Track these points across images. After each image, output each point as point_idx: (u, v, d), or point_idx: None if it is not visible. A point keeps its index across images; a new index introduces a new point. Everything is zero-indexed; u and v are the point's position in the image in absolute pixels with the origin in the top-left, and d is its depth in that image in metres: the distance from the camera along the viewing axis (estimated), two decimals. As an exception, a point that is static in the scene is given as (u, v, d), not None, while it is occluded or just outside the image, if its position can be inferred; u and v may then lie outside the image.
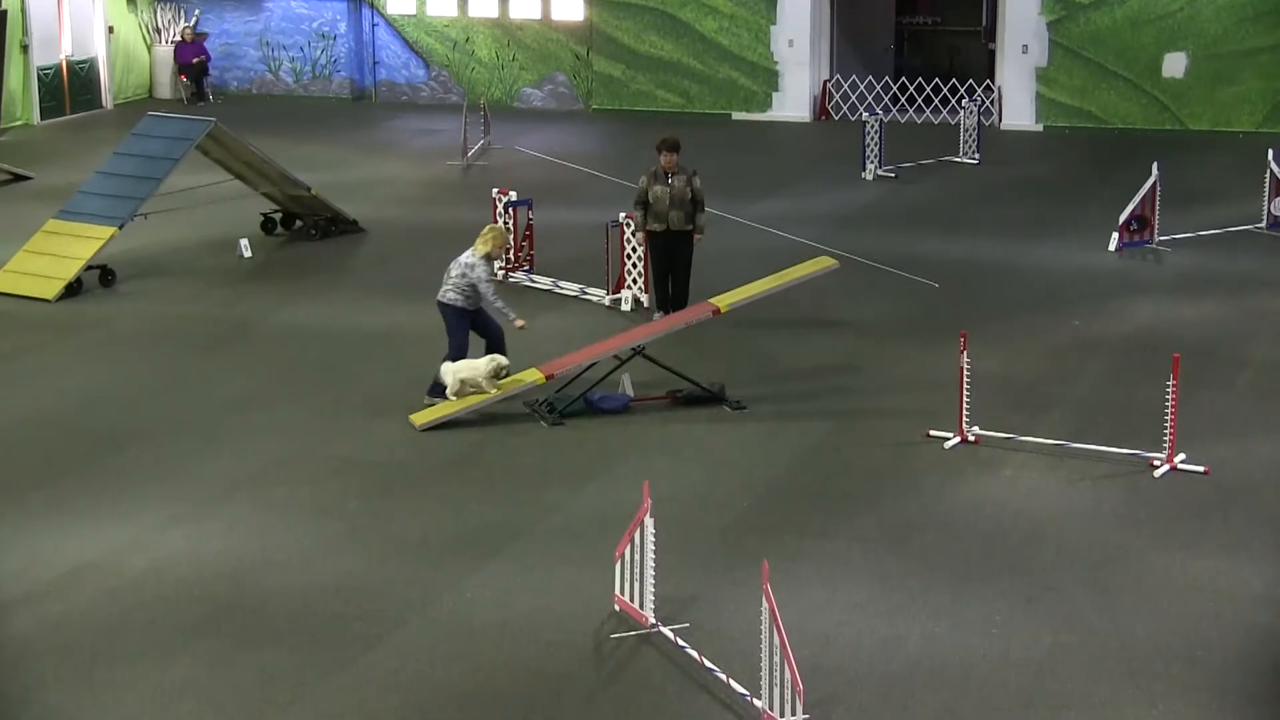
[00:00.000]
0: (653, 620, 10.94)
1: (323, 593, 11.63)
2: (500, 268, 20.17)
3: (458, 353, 15.51)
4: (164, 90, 36.19)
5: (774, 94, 34.05)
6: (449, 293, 15.59)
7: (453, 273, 15.68)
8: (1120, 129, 31.78)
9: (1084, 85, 32.29)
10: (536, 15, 35.41)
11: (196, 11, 36.48)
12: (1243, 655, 10.62)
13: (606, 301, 19.15)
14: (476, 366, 15.21)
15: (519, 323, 15.69)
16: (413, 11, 36.12)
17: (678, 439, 14.81)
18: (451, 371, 15.22)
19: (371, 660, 10.66)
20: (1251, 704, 10.00)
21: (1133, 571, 11.91)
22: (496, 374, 15.18)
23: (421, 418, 15.10)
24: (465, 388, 15.21)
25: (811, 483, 13.75)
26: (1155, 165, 22.06)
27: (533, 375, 15.42)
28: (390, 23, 36.33)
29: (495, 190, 20.63)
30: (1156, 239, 22.06)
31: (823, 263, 16.59)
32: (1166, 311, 18.88)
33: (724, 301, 16.08)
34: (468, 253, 15.74)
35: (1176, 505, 13.11)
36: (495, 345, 15.66)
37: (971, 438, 14.49)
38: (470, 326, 15.66)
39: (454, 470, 14.08)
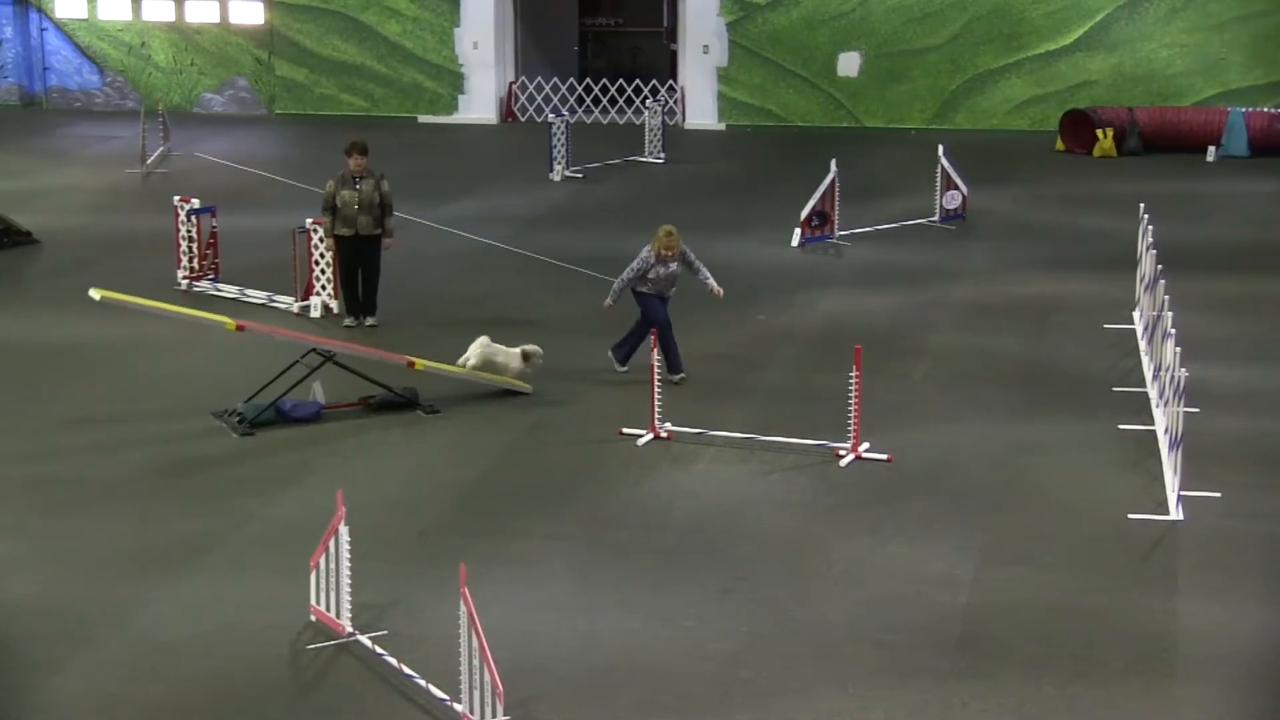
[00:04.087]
0: (350, 629, 10.83)
1: (5, 615, 11.22)
2: (184, 276, 19.77)
3: (644, 326, 16.08)
4: None
5: (460, 96, 34.05)
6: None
7: None
8: (800, 127, 32.56)
9: (763, 84, 33.00)
10: (215, 19, 34.77)
11: None
12: (928, 635, 10.96)
13: (295, 309, 18.90)
14: (511, 354, 15.74)
15: (606, 303, 16.33)
16: (84, 15, 35.13)
17: (372, 445, 14.70)
18: (480, 349, 15.66)
19: (59, 683, 10.32)
20: (937, 682, 10.32)
21: (823, 559, 12.20)
22: (526, 359, 15.73)
23: (102, 292, 14.92)
24: (489, 368, 15.71)
25: (507, 484, 13.78)
26: (833, 162, 22.65)
27: (222, 318, 15.21)
28: (60, 27, 35.28)
29: (177, 198, 20.19)
30: (836, 234, 22.65)
31: (519, 384, 16.33)
32: (848, 304, 19.41)
33: (420, 362, 15.75)
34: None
35: (862, 493, 13.48)
36: (660, 338, 15.91)
37: (664, 434, 14.68)
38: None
39: (143, 483, 13.73)
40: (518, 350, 15.80)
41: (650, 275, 16.19)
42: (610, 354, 16.51)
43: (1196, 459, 13.54)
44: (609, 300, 16.33)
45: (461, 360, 15.71)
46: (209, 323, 15.10)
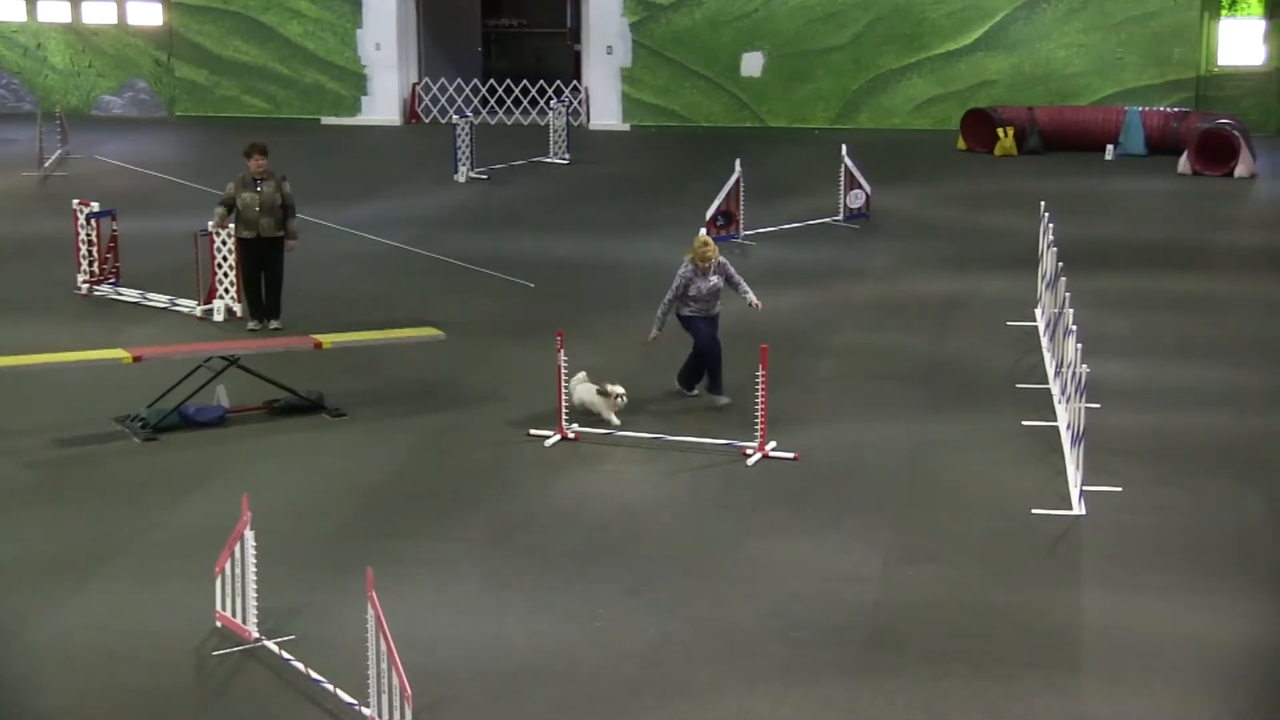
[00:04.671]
0: (256, 634, 10.75)
1: (-96, 627, 11.07)
2: (84, 281, 19.56)
3: (696, 350, 15.55)
4: None
5: (363, 98, 33.90)
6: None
7: None
8: (704, 127, 32.64)
9: (667, 85, 33.07)
10: (112, 20, 34.41)
11: None
12: (835, 632, 11.02)
13: (198, 312, 18.74)
14: (596, 397, 14.98)
15: (651, 335, 15.64)
16: (-21, 16, 34.70)
17: (277, 449, 14.60)
18: (579, 387, 15.07)
19: (-40, 695, 10.20)
20: (844, 677, 10.39)
21: (732, 558, 12.24)
22: (611, 400, 14.91)
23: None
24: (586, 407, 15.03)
25: (414, 486, 13.73)
26: (738, 162, 22.72)
27: (118, 354, 15.02)
28: (-45, 29, 34.81)
29: (76, 201, 19.97)
30: (742, 233, 22.74)
31: (429, 332, 16.43)
32: (754, 303, 19.46)
33: (327, 340, 15.80)
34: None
35: (769, 492, 13.53)
36: (705, 359, 15.54)
37: (571, 434, 14.68)
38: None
39: (45, 490, 13.57)
40: (594, 387, 15.03)
41: (691, 292, 15.39)
42: (677, 383, 15.80)
43: (1098, 454, 13.69)
44: (655, 331, 15.56)
45: (573, 396, 15.02)
46: (104, 362, 14.91)
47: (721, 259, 15.59)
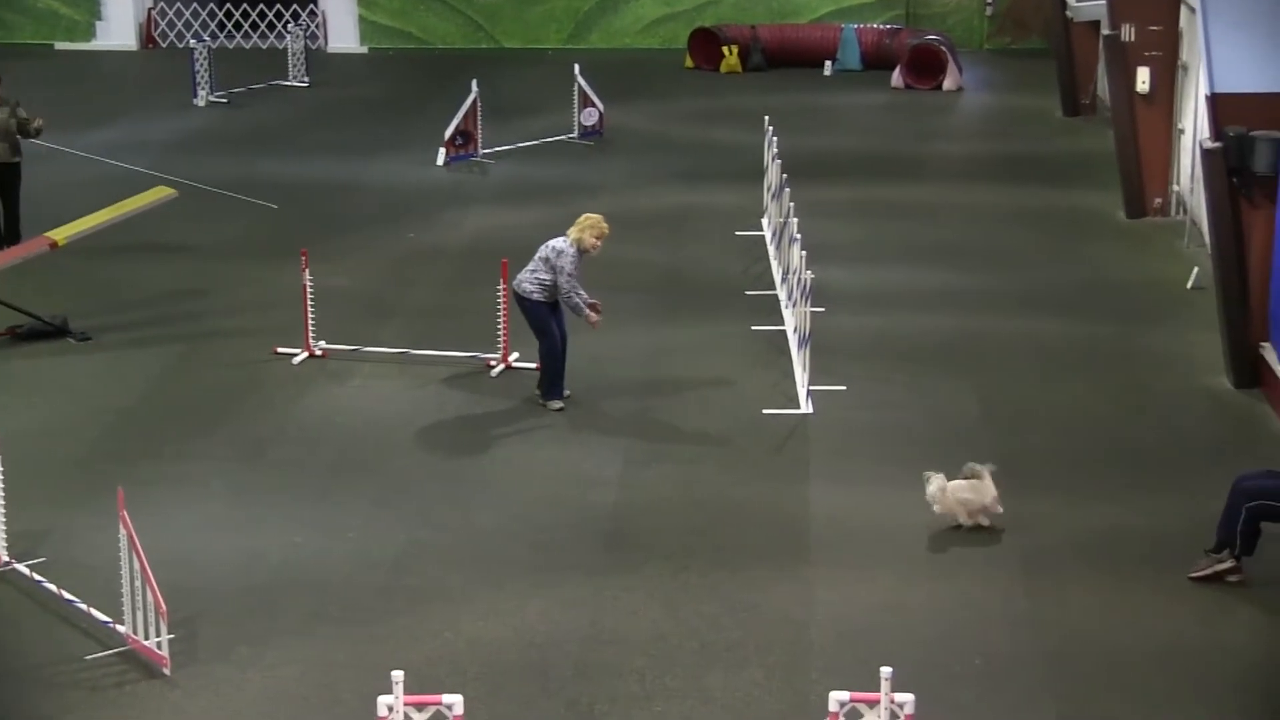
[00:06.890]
0: (6, 558, 10.83)
1: None
2: None
3: (547, 350, 13.77)
4: None
5: (97, 23, 33.17)
6: (525, 283, 13.70)
7: (537, 257, 13.73)
8: (441, 49, 32.66)
9: (403, 7, 32.98)
10: None
11: None
12: (579, 532, 11.52)
13: (-68, 242, 18.47)
14: (983, 491, 11.61)
15: (593, 319, 13.73)
16: None
17: (21, 375, 14.56)
18: (941, 487, 11.61)
19: None
20: (587, 576, 10.89)
21: (478, 466, 12.65)
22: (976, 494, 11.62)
23: None
24: (961, 508, 11.63)
25: (164, 408, 13.85)
26: (474, 82, 22.91)
27: None
28: None
29: None
30: (480, 152, 22.99)
31: (161, 192, 16.52)
32: (494, 219, 19.78)
33: (61, 234, 15.82)
34: (559, 238, 13.81)
35: (514, 401, 13.93)
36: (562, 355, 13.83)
37: (319, 351, 14.90)
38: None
39: None
40: (969, 483, 11.69)
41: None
42: (541, 397, 13.90)
43: (823, 355, 14.34)
44: (595, 315, 13.79)
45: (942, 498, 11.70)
46: None
47: None
